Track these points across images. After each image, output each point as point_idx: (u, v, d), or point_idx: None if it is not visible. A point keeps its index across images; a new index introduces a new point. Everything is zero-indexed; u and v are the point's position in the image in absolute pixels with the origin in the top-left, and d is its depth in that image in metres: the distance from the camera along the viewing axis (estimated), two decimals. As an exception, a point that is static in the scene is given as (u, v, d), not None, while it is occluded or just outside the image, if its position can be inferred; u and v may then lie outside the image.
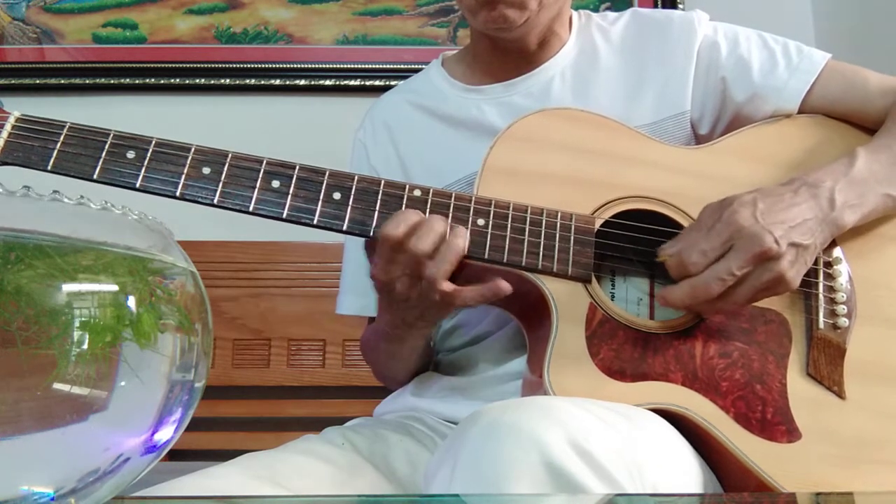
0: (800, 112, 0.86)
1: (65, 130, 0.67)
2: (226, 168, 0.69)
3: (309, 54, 1.61)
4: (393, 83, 1.53)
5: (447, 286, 0.69)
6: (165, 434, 0.40)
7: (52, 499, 0.36)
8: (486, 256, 0.71)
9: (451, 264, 0.68)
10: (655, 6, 1.61)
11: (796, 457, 0.68)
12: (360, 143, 1.02)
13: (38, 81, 1.57)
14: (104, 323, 0.36)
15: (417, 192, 0.72)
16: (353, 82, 1.59)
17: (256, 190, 0.69)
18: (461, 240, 0.69)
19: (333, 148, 1.28)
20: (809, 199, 0.71)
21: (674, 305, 0.70)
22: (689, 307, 0.70)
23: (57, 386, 0.34)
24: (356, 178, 0.72)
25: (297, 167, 0.71)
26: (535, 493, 0.50)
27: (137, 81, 1.58)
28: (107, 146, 0.67)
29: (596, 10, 1.59)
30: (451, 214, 0.72)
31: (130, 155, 0.68)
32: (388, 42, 1.62)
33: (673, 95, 0.89)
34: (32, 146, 0.66)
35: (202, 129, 1.52)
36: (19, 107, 0.70)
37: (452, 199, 0.72)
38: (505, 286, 0.69)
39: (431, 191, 0.72)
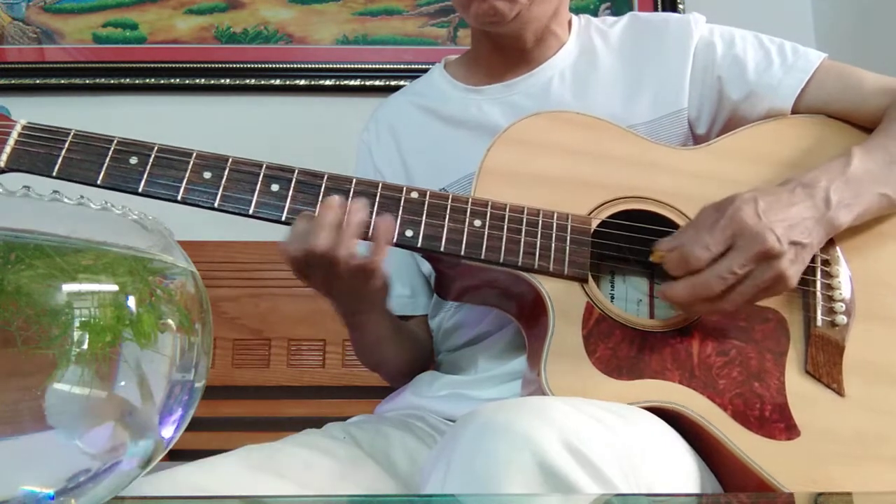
0: (795, 111, 0.87)
1: (69, 137, 0.69)
2: (226, 172, 0.70)
3: (309, 54, 1.61)
4: (393, 83, 1.54)
5: (361, 259, 0.70)
6: (165, 434, 0.41)
7: (52, 498, 0.36)
8: (482, 257, 0.72)
9: (356, 235, 0.69)
10: (655, 8, 1.61)
11: (795, 454, 0.68)
12: (364, 145, 1.03)
13: (38, 81, 1.57)
14: (104, 323, 0.36)
15: (415, 195, 0.73)
16: (353, 82, 1.59)
17: (256, 193, 0.70)
18: (360, 214, 0.70)
19: (334, 148, 1.28)
20: (806, 198, 0.71)
21: (674, 301, 0.69)
22: (690, 304, 0.69)
23: (57, 386, 0.35)
24: (354, 181, 0.72)
25: (296, 171, 0.72)
26: (528, 494, 0.50)
27: (137, 81, 1.57)
28: (110, 152, 0.69)
29: (596, 10, 1.59)
30: (447, 216, 0.72)
31: (133, 161, 0.69)
32: (388, 42, 1.62)
33: (669, 94, 0.90)
34: (38, 153, 0.68)
35: (202, 129, 1.52)
36: (19, 107, 0.71)
37: (449, 200, 0.73)
38: (387, 219, 0.70)
39: (428, 193, 0.73)
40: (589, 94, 0.91)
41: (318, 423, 0.88)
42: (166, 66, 1.58)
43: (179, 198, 0.69)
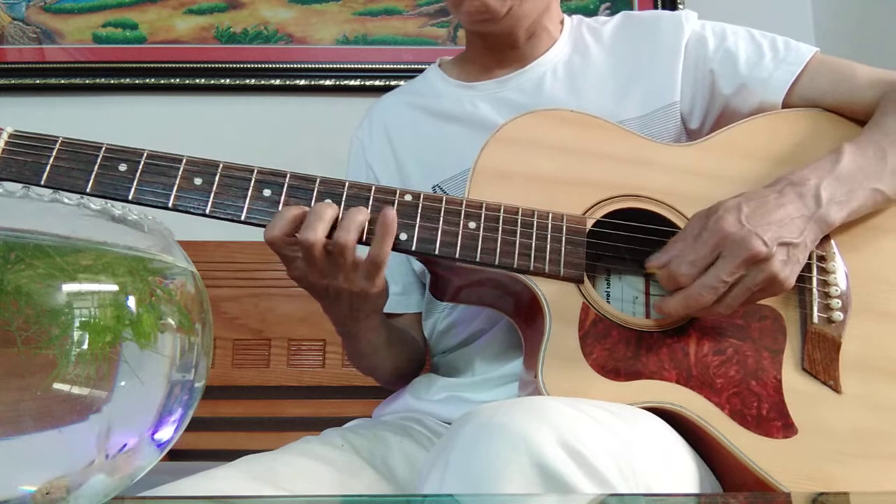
0: (788, 105, 0.87)
1: (57, 145, 0.67)
2: (217, 178, 0.69)
3: (309, 54, 1.61)
4: (393, 83, 1.53)
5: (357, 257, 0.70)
6: (165, 434, 0.41)
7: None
8: (477, 259, 0.72)
9: (356, 231, 0.68)
10: (655, 7, 1.61)
11: (793, 452, 0.68)
12: (357, 141, 1.03)
13: (38, 81, 1.57)
14: (104, 323, 0.36)
15: (408, 197, 0.72)
16: (353, 82, 1.59)
17: (248, 199, 0.69)
18: (362, 215, 0.69)
19: (333, 148, 1.28)
20: (795, 198, 0.71)
21: (671, 316, 0.71)
22: (687, 316, 0.71)
23: (57, 386, 0.35)
24: (347, 184, 0.72)
25: (288, 175, 0.71)
26: (525, 494, 0.50)
27: (137, 81, 1.58)
28: (99, 159, 0.67)
29: (596, 10, 1.59)
30: (442, 218, 0.72)
31: (122, 168, 0.68)
32: (388, 42, 1.62)
33: (661, 88, 0.90)
34: (25, 161, 0.66)
35: (202, 129, 1.53)
36: (19, 107, 0.71)
37: (443, 202, 0.73)
38: (390, 211, 0.69)
39: (422, 195, 0.73)
40: (581, 91, 0.91)
41: (318, 423, 0.88)
42: (166, 66, 1.58)
43: (170, 205, 0.68)
